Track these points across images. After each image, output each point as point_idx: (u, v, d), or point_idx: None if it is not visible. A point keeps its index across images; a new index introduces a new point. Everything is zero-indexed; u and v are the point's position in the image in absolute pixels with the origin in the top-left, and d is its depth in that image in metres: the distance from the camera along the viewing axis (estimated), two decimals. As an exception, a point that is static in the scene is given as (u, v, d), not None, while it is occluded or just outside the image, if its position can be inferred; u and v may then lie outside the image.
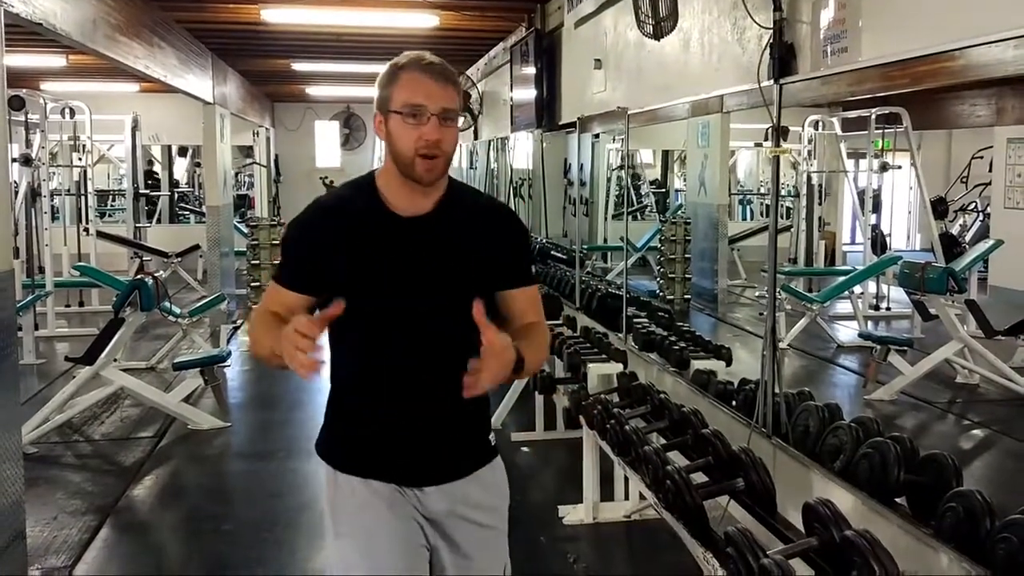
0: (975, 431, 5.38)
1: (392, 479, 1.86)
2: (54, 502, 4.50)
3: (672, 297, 8.06)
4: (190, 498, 4.79)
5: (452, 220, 1.85)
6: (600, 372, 4.65)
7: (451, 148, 1.81)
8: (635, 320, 5.55)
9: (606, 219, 10.56)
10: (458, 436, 1.93)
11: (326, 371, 1.86)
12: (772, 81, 3.43)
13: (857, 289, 8.05)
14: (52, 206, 9.76)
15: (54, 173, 10.61)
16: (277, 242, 9.66)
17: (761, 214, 12.36)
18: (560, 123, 7.53)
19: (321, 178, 16.43)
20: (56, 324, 8.71)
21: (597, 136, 8.10)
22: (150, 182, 14.39)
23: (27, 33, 5.91)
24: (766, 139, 4.31)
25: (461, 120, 1.85)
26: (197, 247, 11.28)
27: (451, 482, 1.90)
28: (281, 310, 1.84)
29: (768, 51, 3.43)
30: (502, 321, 1.89)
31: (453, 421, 1.90)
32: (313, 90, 14.42)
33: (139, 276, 6.32)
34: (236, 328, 9.20)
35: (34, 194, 8.73)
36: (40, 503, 4.43)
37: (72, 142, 10.15)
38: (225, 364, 6.87)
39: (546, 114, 7.65)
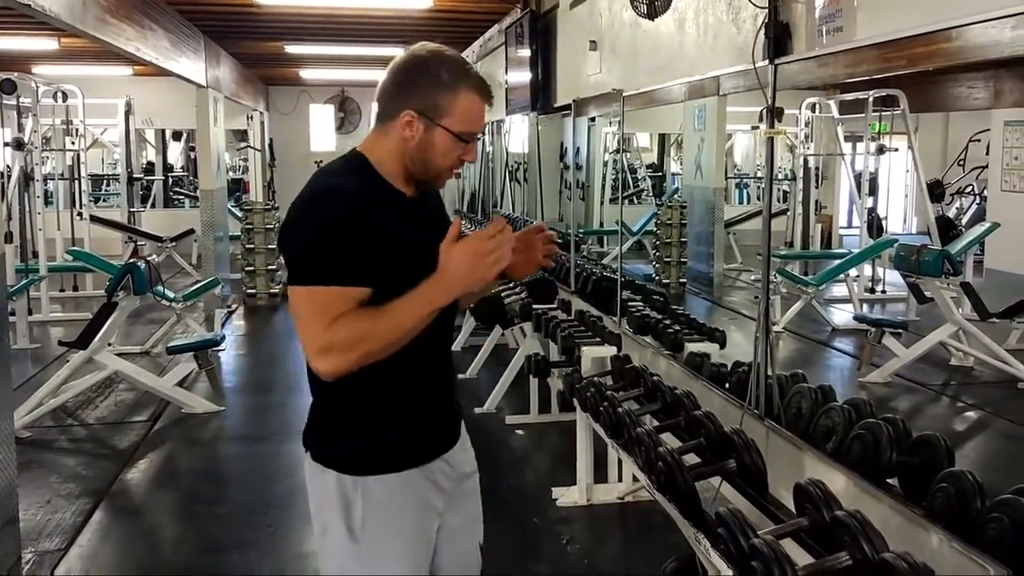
0: (969, 413, 5.39)
1: (434, 453, 1.87)
2: (48, 486, 4.50)
3: (668, 281, 8.07)
4: (184, 481, 4.79)
5: (426, 198, 1.88)
6: (594, 355, 4.64)
7: None
8: (630, 303, 5.53)
9: (602, 203, 10.54)
10: (452, 396, 2.00)
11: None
12: (767, 62, 3.41)
13: (853, 272, 8.06)
14: (45, 190, 9.77)
15: (47, 157, 10.61)
16: (272, 226, 9.66)
17: (757, 198, 12.36)
18: (555, 106, 7.49)
19: (316, 162, 16.13)
20: (50, 309, 8.70)
21: (593, 119, 8.06)
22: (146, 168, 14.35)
23: (18, 16, 5.89)
24: (761, 120, 4.28)
25: None
26: (191, 231, 11.26)
27: (453, 447, 1.94)
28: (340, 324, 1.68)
29: (763, 31, 3.41)
30: None
31: (451, 378, 2.01)
32: (307, 73, 14.35)
33: (132, 260, 6.28)
34: (230, 312, 9.19)
35: (27, 178, 8.70)
36: (34, 487, 4.43)
37: (65, 126, 10.10)
38: (219, 348, 6.87)
39: (541, 97, 7.62)
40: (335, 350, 1.63)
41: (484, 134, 1.90)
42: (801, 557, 2.25)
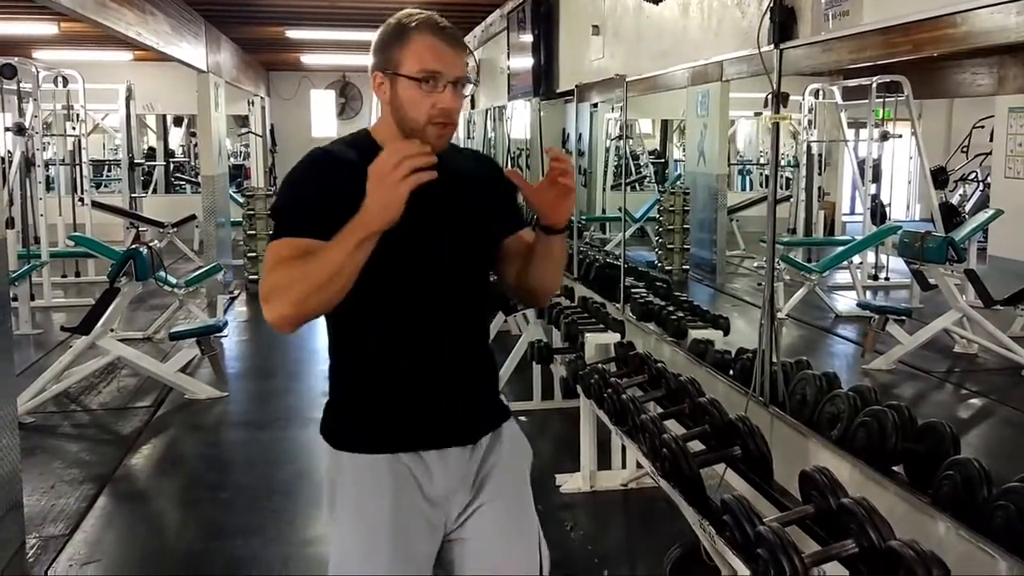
0: (973, 400, 5.38)
1: (416, 445, 1.76)
2: (52, 471, 4.50)
3: (670, 267, 8.04)
4: (188, 467, 4.79)
5: (448, 173, 1.71)
6: (598, 342, 4.64)
7: (459, 115, 1.77)
8: (633, 290, 5.53)
9: (604, 189, 10.50)
10: (477, 392, 1.85)
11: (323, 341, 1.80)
12: (772, 46, 3.39)
13: (856, 259, 8.04)
14: (47, 176, 9.74)
15: (48, 143, 10.57)
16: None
17: (760, 184, 12.32)
18: (558, 91, 7.46)
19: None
20: (52, 294, 8.70)
21: (595, 105, 8.03)
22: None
23: (18, 0, 5.85)
24: (766, 106, 4.27)
25: (469, 88, 1.78)
26: (193, 217, 11.24)
27: (473, 443, 1.81)
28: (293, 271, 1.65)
29: (768, 15, 3.38)
30: (505, 272, 1.89)
31: (472, 376, 1.84)
32: (308, 58, 14.30)
33: (134, 246, 6.27)
34: (233, 298, 9.18)
35: (28, 164, 8.69)
36: (38, 472, 4.43)
37: (66, 111, 10.07)
38: (222, 334, 6.86)
39: (544, 82, 7.58)
40: (272, 295, 1.61)
41: (468, 83, 1.71)
42: (807, 545, 2.25)
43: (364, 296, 1.67)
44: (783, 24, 3.36)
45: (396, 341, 1.75)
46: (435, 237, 1.74)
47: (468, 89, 1.75)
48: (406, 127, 1.72)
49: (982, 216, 7.87)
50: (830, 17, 3.14)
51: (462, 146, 1.98)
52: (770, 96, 3.54)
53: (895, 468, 2.71)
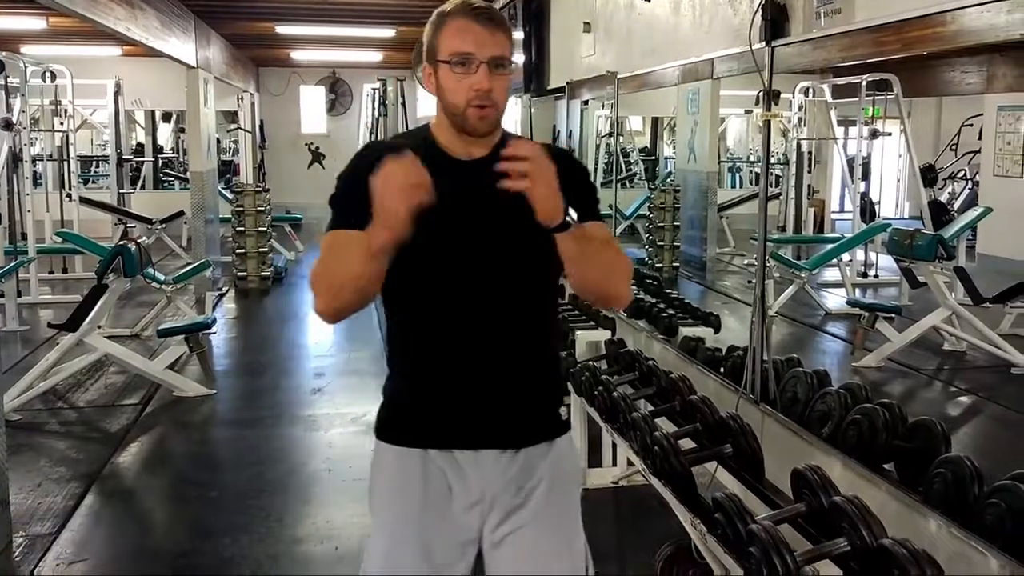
0: (962, 398, 5.39)
1: (448, 442, 1.73)
2: (38, 469, 4.47)
3: (661, 265, 8.04)
4: (175, 465, 4.76)
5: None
6: (588, 339, 4.63)
7: (503, 98, 1.71)
8: (623, 287, 5.51)
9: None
10: (525, 397, 1.78)
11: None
12: (764, 44, 3.38)
13: (845, 256, 8.06)
14: (34, 172, 9.66)
15: (36, 138, 10.49)
16: (263, 208, 9.59)
17: (750, 182, 12.34)
18: (549, 88, 7.46)
19: (307, 144, 16.29)
20: (39, 291, 8.64)
21: (586, 102, 8.02)
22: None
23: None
24: (757, 103, 4.26)
25: (510, 67, 1.71)
26: (181, 213, 11.18)
27: (501, 450, 1.74)
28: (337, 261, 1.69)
29: (760, 13, 3.38)
30: (567, 273, 1.75)
31: (521, 380, 1.77)
32: (298, 54, 14.25)
33: (122, 242, 6.24)
34: (221, 295, 9.14)
35: (16, 159, 8.62)
36: (24, 470, 4.39)
37: (54, 107, 10.00)
38: (210, 331, 6.83)
39: (534, 79, 7.58)
40: (313, 288, 1.66)
41: (506, 63, 1.65)
42: (799, 543, 2.25)
43: (413, 290, 1.70)
44: (775, 22, 3.36)
45: (440, 336, 1.73)
46: (483, 233, 1.70)
47: (508, 68, 1.70)
48: (449, 114, 1.71)
49: (971, 214, 7.90)
50: (822, 15, 3.14)
51: (533, 140, 1.88)
52: (761, 94, 3.54)
53: (886, 466, 2.71)
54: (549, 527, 1.76)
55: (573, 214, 1.64)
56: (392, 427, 1.78)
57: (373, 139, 12.66)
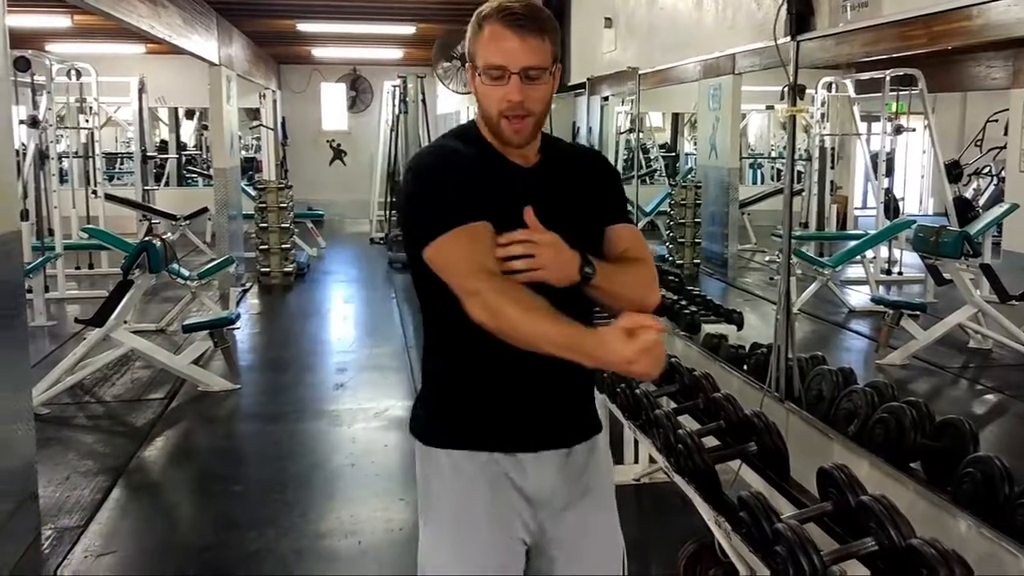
0: (988, 396, 5.35)
1: (513, 446, 1.73)
2: (66, 463, 4.51)
3: (682, 262, 8.01)
4: (201, 459, 4.80)
5: (558, 169, 1.74)
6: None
7: (540, 107, 1.68)
8: (645, 284, 5.50)
9: (615, 183, 10.45)
10: (574, 399, 1.82)
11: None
12: (789, 38, 3.36)
13: (869, 253, 7.99)
14: (60, 169, 9.74)
15: (61, 136, 10.58)
16: (285, 204, 9.63)
17: (771, 178, 12.27)
18: (569, 84, 7.44)
19: (328, 141, 16.35)
20: (66, 286, 8.71)
21: (606, 98, 8.00)
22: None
23: (32, -9, 5.87)
24: (781, 99, 4.24)
25: (545, 75, 1.67)
26: (205, 210, 11.23)
27: (555, 450, 1.77)
28: (492, 257, 1.61)
29: (785, 7, 3.36)
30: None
31: (571, 383, 1.79)
32: (319, 52, 14.29)
33: (147, 238, 6.28)
34: (245, 290, 9.20)
35: (42, 156, 8.69)
36: (52, 464, 4.44)
37: (79, 104, 10.08)
38: (234, 327, 6.87)
39: (556, 75, 7.56)
40: (485, 306, 1.57)
41: (541, 71, 1.63)
42: (825, 543, 2.24)
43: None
44: (800, 16, 3.34)
45: (498, 344, 1.63)
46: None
47: (545, 76, 1.67)
48: (485, 118, 1.71)
49: (997, 210, 7.81)
50: (848, 9, 3.12)
51: (571, 142, 1.87)
52: (786, 89, 3.52)
53: (913, 465, 2.69)
54: (603, 518, 1.85)
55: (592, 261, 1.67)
56: (456, 433, 1.75)
57: (394, 136, 12.69)
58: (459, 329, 1.67)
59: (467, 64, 1.73)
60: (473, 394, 1.75)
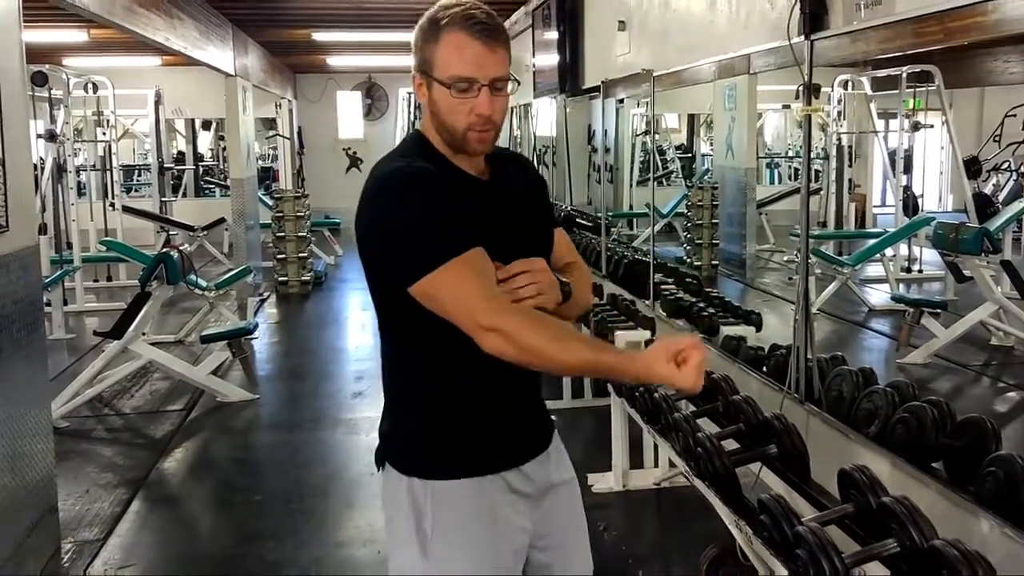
0: (1011, 394, 5.29)
1: (506, 463, 1.71)
2: (86, 476, 4.54)
3: (700, 263, 7.96)
4: (220, 470, 4.82)
5: (506, 179, 1.72)
6: (628, 339, 4.59)
7: (501, 117, 1.64)
8: (662, 287, 5.48)
9: (631, 185, 10.43)
10: (539, 401, 1.83)
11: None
12: (803, 37, 3.34)
13: (889, 252, 7.93)
14: (78, 182, 9.82)
15: (79, 149, 10.67)
16: (302, 213, 9.66)
17: (789, 178, 12.20)
18: (583, 88, 7.42)
19: (344, 149, 16.40)
20: (84, 299, 8.78)
21: (621, 101, 7.98)
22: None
23: (48, 8, 5.91)
24: (797, 98, 4.21)
25: (511, 86, 1.63)
26: (222, 220, 11.30)
27: (543, 452, 1.79)
28: (496, 287, 1.58)
29: (798, 6, 3.33)
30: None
31: (538, 386, 1.81)
32: (334, 60, 14.34)
33: (165, 250, 6.32)
34: (263, 300, 9.23)
35: (60, 170, 8.77)
36: (72, 477, 4.46)
37: (96, 117, 10.17)
38: (252, 336, 6.89)
39: (569, 79, 7.55)
40: (509, 341, 1.52)
41: (508, 82, 1.62)
42: (847, 544, 2.21)
43: (448, 325, 1.58)
44: (814, 15, 3.31)
45: (492, 361, 1.56)
46: (512, 255, 1.65)
47: (510, 87, 1.64)
48: (444, 131, 1.63)
49: (1017, 206, 7.73)
50: (862, 7, 3.09)
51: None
52: (801, 88, 3.49)
53: (935, 465, 2.66)
54: (578, 508, 1.88)
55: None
56: (462, 460, 1.69)
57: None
58: (450, 359, 1.64)
59: (416, 74, 1.64)
60: (474, 419, 1.70)
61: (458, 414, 1.69)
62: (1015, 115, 9.79)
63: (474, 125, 1.60)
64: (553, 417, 1.89)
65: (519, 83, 1.70)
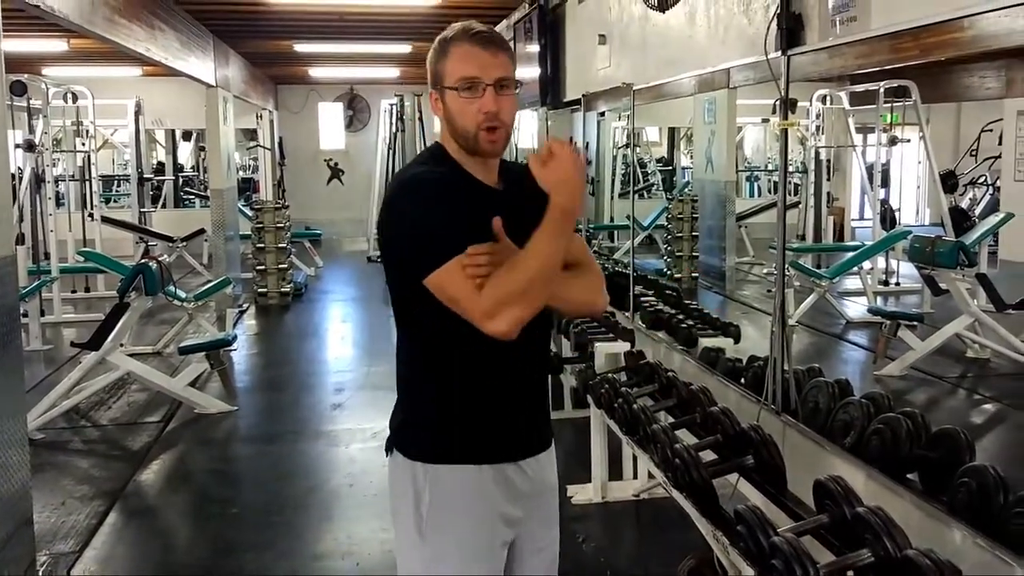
0: (986, 406, 5.34)
1: (502, 456, 1.81)
2: (62, 488, 4.50)
3: (680, 275, 8.02)
4: (198, 482, 4.78)
5: (518, 188, 1.78)
6: (607, 351, 4.62)
7: (510, 118, 1.76)
8: (642, 299, 5.52)
9: (612, 198, 10.49)
10: (543, 404, 1.93)
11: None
12: (780, 53, 3.38)
13: (866, 264, 8.00)
14: (56, 192, 9.78)
15: (58, 159, 10.62)
16: (282, 225, 9.63)
17: (768, 191, 12.29)
18: (565, 100, 7.46)
19: (326, 160, 16.39)
20: (62, 310, 8.71)
21: (602, 114, 8.03)
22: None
23: (28, 17, 5.88)
24: (774, 112, 4.26)
25: (517, 89, 1.79)
26: (202, 231, 11.26)
27: (542, 452, 1.89)
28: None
29: (775, 22, 3.37)
30: None
31: (542, 389, 1.91)
32: (316, 72, 14.35)
33: (143, 261, 6.28)
34: (242, 312, 9.19)
35: (38, 180, 8.71)
36: (48, 489, 4.43)
37: (75, 127, 10.12)
38: (231, 348, 6.86)
39: (551, 92, 7.58)
40: (502, 308, 1.62)
41: (512, 83, 1.74)
42: (822, 555, 2.23)
43: (456, 317, 1.68)
44: (790, 31, 3.36)
45: (499, 360, 1.76)
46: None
47: (515, 89, 1.76)
48: (460, 137, 1.76)
49: (992, 220, 7.82)
50: (837, 23, 3.13)
51: (511, 160, 1.93)
52: (778, 102, 3.53)
53: (910, 476, 2.68)
54: (555, 518, 1.98)
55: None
56: (461, 448, 1.79)
57: (391, 154, 12.72)
58: (458, 349, 1.75)
59: (430, 90, 1.79)
60: (478, 410, 1.80)
61: (462, 405, 1.79)
62: (991, 130, 9.92)
63: (483, 124, 1.72)
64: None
65: (520, 84, 1.80)
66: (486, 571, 1.80)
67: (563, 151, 1.63)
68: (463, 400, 1.79)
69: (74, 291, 9.67)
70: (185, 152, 16.97)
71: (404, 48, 10.87)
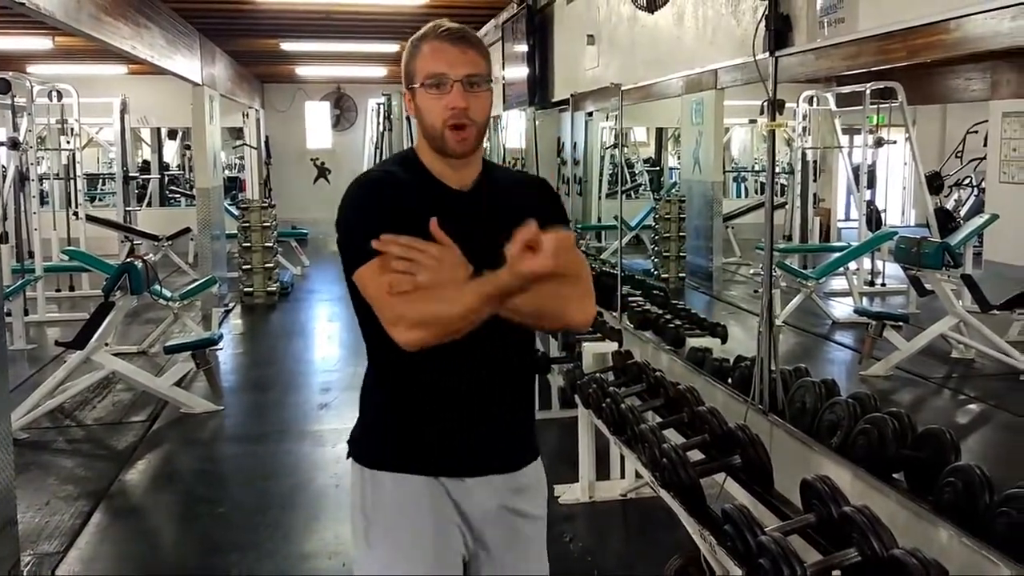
0: (971, 406, 5.37)
1: (443, 470, 1.76)
2: (46, 487, 4.46)
3: (667, 276, 8.04)
4: (183, 482, 4.75)
5: (494, 194, 1.76)
6: (595, 351, 4.62)
7: (481, 117, 1.72)
8: (630, 299, 5.52)
9: (600, 198, 10.50)
10: (509, 425, 1.83)
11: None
12: (768, 54, 3.39)
13: (852, 265, 8.04)
14: (41, 190, 9.71)
15: (42, 157, 10.55)
16: (268, 224, 9.61)
17: (755, 191, 12.34)
18: (553, 101, 7.47)
19: (312, 159, 16.34)
20: (46, 309, 8.65)
21: (590, 114, 8.03)
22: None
23: (12, 14, 5.85)
24: (762, 113, 4.27)
25: (486, 85, 1.74)
26: (188, 230, 11.21)
27: (499, 474, 1.81)
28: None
29: (763, 23, 3.38)
30: None
31: (506, 408, 1.82)
32: (303, 70, 14.31)
33: (129, 260, 6.25)
34: (228, 311, 9.15)
35: (22, 178, 8.65)
36: (32, 489, 4.39)
37: (60, 125, 10.05)
38: (217, 347, 6.83)
39: (538, 92, 7.59)
40: (405, 323, 1.57)
41: (482, 80, 1.70)
42: (809, 554, 2.23)
43: None
44: (778, 32, 3.37)
45: (449, 373, 1.72)
46: (484, 267, 1.62)
47: (485, 86, 1.72)
48: (429, 136, 1.73)
49: (977, 221, 7.88)
50: (825, 25, 3.14)
51: (515, 168, 1.87)
52: (766, 103, 3.54)
53: (896, 475, 2.70)
54: (534, 542, 1.89)
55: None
56: (402, 457, 1.77)
57: (378, 153, 12.70)
58: (397, 355, 1.64)
59: (405, 90, 1.76)
60: (419, 421, 1.76)
61: (402, 413, 1.77)
62: (977, 131, 9.99)
63: (449, 120, 1.68)
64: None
65: (491, 80, 1.77)
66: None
67: (554, 262, 1.47)
68: (403, 408, 1.77)
69: (58, 290, 9.61)
70: (171, 151, 16.90)
71: (391, 47, 10.85)
